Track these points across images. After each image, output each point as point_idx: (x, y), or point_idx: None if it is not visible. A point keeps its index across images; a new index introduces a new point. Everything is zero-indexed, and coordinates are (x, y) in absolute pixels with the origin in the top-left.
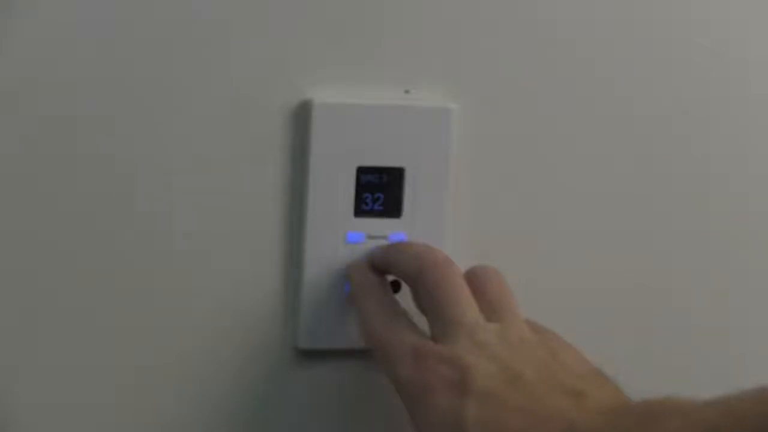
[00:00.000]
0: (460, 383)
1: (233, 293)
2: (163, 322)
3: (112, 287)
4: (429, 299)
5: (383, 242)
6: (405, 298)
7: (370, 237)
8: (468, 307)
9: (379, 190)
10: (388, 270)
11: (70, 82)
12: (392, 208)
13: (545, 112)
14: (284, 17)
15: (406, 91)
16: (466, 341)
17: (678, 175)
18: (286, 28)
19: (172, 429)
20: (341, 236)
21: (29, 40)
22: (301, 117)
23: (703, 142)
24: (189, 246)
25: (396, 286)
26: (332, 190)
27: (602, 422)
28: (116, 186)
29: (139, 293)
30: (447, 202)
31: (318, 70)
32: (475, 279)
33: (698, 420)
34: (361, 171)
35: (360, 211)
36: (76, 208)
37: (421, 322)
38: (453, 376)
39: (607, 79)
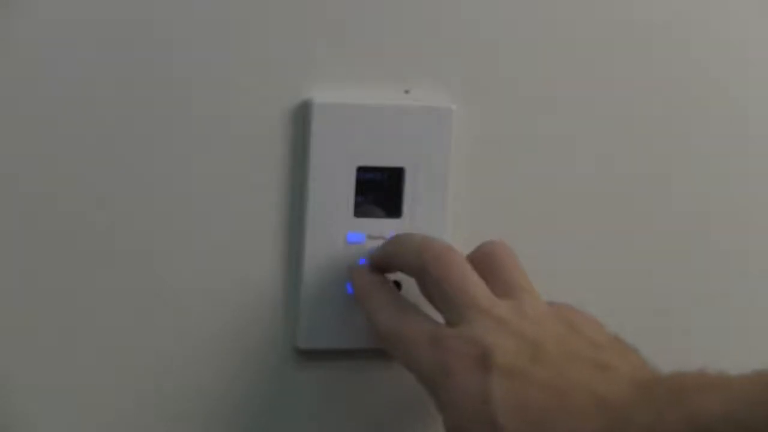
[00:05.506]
0: (482, 360)
1: (233, 293)
2: (163, 322)
3: (112, 287)
4: (437, 290)
5: (383, 242)
6: (407, 296)
7: (370, 237)
8: (478, 290)
9: (379, 190)
10: (390, 265)
11: (70, 82)
12: (392, 208)
13: (545, 113)
14: (284, 17)
15: (406, 91)
16: (482, 321)
17: (678, 175)
18: (286, 28)
19: (173, 429)
20: (341, 236)
21: (29, 40)
22: (301, 117)
23: (704, 142)
24: (189, 246)
25: (397, 286)
26: (332, 190)
27: (634, 395)
28: (116, 186)
29: (138, 293)
30: (447, 202)
31: (318, 70)
32: (483, 258)
33: (737, 393)
34: (361, 171)
35: (360, 211)
36: (76, 208)
37: (432, 314)
38: (474, 353)
39: (607, 79)
